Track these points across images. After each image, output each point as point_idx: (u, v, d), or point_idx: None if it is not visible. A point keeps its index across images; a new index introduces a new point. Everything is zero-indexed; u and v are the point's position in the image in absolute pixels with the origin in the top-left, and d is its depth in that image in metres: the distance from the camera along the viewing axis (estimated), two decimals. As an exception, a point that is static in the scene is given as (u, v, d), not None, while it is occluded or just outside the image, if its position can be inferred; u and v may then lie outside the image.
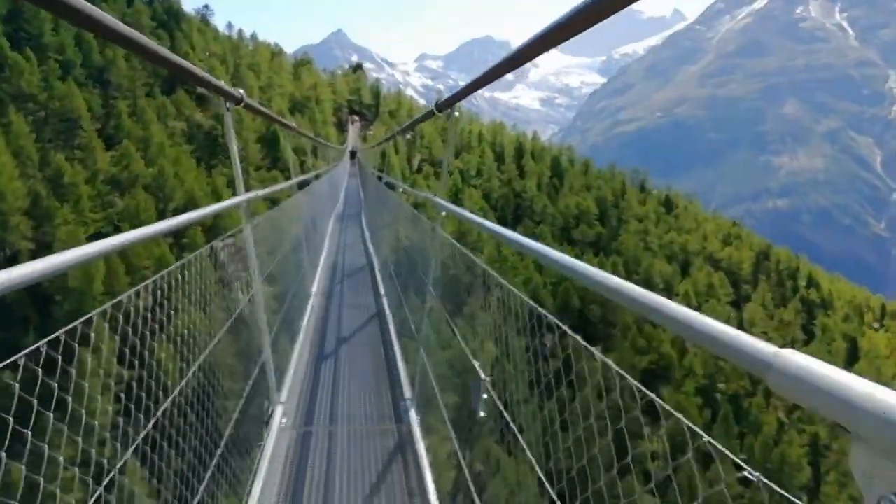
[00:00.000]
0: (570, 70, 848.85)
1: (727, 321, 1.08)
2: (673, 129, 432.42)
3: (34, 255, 33.99)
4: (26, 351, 1.74)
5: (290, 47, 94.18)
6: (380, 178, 19.19)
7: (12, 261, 30.64)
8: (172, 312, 3.08)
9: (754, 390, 50.99)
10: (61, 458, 2.01)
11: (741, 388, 49.86)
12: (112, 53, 47.91)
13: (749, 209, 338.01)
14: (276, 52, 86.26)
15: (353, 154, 48.04)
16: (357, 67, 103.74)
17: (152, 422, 2.70)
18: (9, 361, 1.75)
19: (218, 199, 40.47)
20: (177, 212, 41.16)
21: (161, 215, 37.41)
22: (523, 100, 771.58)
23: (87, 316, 2.11)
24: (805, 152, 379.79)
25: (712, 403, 47.85)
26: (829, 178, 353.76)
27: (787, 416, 47.47)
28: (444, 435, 4.80)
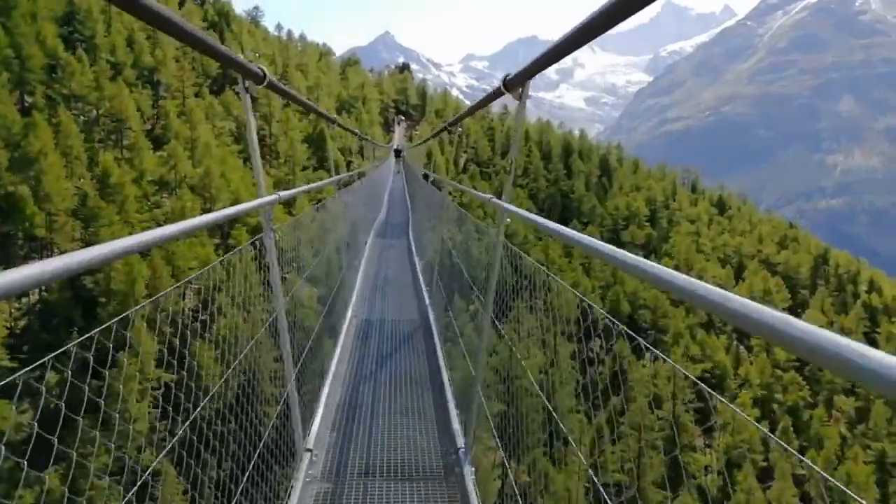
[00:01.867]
0: (616, 69, 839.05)
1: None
2: (722, 128, 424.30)
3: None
4: (61, 350, 1.73)
5: (338, 49, 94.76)
6: (426, 177, 17.08)
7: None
8: (214, 312, 3.43)
9: (815, 402, 48.95)
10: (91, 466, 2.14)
11: (800, 399, 47.84)
12: (162, 54, 48.27)
13: (801, 209, 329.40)
14: (324, 53, 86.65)
15: (398, 153, 47.56)
16: (404, 68, 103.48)
17: (186, 423, 2.63)
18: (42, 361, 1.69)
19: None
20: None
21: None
22: (568, 99, 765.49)
23: (123, 315, 2.04)
24: (861, 151, 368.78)
25: (770, 416, 46.04)
26: (888, 177, 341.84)
27: (849, 431, 45.20)
28: (489, 445, 4.55)
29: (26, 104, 37.96)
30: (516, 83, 3.48)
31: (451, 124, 9.16)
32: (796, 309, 62.41)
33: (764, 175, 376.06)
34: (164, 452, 2.58)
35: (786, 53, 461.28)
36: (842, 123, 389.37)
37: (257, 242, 3.89)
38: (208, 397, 2.97)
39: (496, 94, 3.93)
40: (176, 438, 2.58)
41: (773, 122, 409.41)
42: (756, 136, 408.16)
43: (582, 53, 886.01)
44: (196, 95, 49.58)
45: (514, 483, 3.90)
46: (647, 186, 74.97)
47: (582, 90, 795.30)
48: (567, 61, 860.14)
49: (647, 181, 77.29)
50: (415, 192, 22.92)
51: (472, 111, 6.38)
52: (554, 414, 3.00)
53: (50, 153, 31.33)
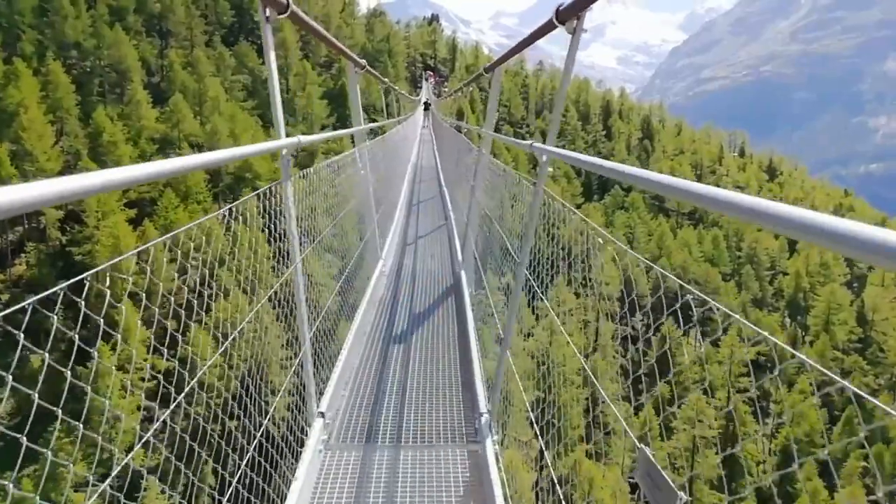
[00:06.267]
0: (651, 26, 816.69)
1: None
2: (759, 88, 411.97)
3: (62, 225, 30.84)
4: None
5: (364, 5, 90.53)
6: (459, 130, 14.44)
7: (42, 232, 27.27)
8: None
9: (878, 387, 45.25)
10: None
11: (864, 386, 43.88)
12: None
13: (837, 174, 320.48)
14: (347, 3, 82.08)
15: (426, 106, 43.05)
16: (432, 20, 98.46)
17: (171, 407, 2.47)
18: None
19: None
20: (229, 175, 37.37)
21: (211, 179, 33.53)
22: (599, 58, 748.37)
23: (107, 264, 1.83)
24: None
25: (830, 403, 42.30)
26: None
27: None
28: (523, 438, 4.26)
29: (18, 52, 34.27)
30: (570, 14, 3.13)
31: (488, 69, 7.21)
32: (853, 283, 58.31)
33: (799, 139, 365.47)
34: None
35: (830, 10, 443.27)
36: (887, 85, 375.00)
37: (274, 189, 3.48)
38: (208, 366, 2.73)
39: (547, 27, 3.59)
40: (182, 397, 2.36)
41: (814, 83, 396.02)
42: (794, 97, 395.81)
43: (614, 9, 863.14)
44: (207, 45, 45.42)
45: (551, 475, 3.36)
46: (691, 150, 70.57)
47: (613, 48, 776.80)
48: (598, 18, 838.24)
49: (691, 144, 72.75)
50: (447, 157, 17.63)
51: (519, 49, 5.45)
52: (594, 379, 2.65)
53: (33, 107, 27.55)
